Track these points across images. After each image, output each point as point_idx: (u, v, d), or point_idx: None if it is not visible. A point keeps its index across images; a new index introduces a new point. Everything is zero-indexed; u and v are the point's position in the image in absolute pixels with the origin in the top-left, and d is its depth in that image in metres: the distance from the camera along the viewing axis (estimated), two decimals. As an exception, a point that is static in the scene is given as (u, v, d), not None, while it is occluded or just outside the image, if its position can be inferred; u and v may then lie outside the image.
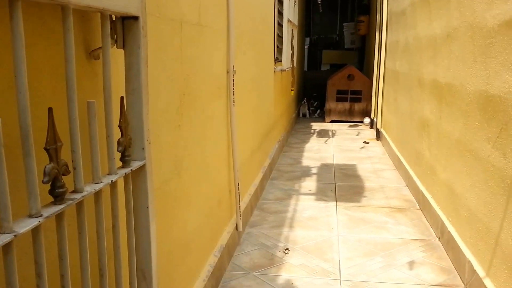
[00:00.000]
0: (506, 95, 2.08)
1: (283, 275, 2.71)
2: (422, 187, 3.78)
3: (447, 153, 3.06)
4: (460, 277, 2.61)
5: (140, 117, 1.34)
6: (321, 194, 4.27)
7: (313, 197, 4.19)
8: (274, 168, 5.25)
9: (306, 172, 5.07)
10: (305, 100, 9.50)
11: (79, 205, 1.04)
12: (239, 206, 3.17)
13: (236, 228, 3.13)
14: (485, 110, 2.36)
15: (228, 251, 2.89)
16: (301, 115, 9.49)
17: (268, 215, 3.75)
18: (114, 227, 1.20)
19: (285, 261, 2.89)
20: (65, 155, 1.00)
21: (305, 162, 5.59)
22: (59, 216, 0.96)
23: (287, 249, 3.08)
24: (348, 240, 3.20)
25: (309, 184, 4.60)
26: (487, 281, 2.23)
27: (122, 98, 1.27)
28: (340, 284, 2.59)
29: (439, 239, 3.14)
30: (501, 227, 2.11)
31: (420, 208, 3.78)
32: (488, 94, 2.31)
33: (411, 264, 2.81)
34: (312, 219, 3.61)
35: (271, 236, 3.31)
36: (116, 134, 1.26)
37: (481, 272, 2.32)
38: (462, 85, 2.77)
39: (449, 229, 2.89)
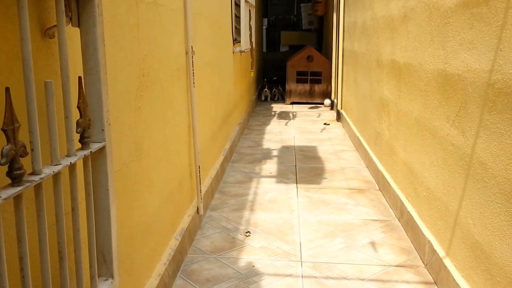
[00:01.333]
0: (465, 73, 2.17)
1: (244, 258, 2.76)
2: (381, 168, 3.91)
3: (406, 133, 3.18)
4: (420, 257, 2.74)
5: (99, 98, 1.32)
6: (282, 176, 4.34)
7: (274, 179, 4.26)
8: (235, 151, 5.28)
9: (267, 155, 5.13)
10: (266, 88, 9.35)
11: (37, 187, 1.03)
12: (200, 189, 3.18)
13: (197, 211, 3.14)
14: (444, 89, 2.46)
15: (189, 235, 2.90)
16: (263, 98, 9.43)
17: (229, 198, 3.78)
18: (74, 209, 1.20)
19: (246, 244, 2.94)
20: (22, 136, 0.98)
21: (266, 144, 5.65)
22: (17, 198, 0.94)
23: (248, 232, 3.13)
24: (309, 221, 3.28)
25: (270, 166, 4.66)
26: (447, 261, 2.36)
27: (80, 78, 1.25)
28: (301, 266, 2.67)
29: (398, 219, 3.28)
30: (460, 206, 2.23)
31: (379, 189, 3.92)
32: (446, 73, 2.41)
33: (371, 245, 2.92)
34: (273, 201, 3.68)
35: (232, 219, 3.35)
36: (75, 115, 1.25)
37: (441, 251, 2.45)
38: (420, 64, 2.87)
39: (408, 209, 3.03)
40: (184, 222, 2.86)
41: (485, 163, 1.97)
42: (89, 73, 1.31)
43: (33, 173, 1.02)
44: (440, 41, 2.52)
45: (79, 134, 1.25)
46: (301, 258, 2.75)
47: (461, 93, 2.23)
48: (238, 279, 2.53)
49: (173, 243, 2.58)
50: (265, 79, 9.83)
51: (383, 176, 3.80)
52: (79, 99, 1.23)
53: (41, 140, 1.03)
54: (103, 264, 1.39)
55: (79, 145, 1.26)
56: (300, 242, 2.96)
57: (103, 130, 1.33)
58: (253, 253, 2.83)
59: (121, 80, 1.81)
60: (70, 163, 1.15)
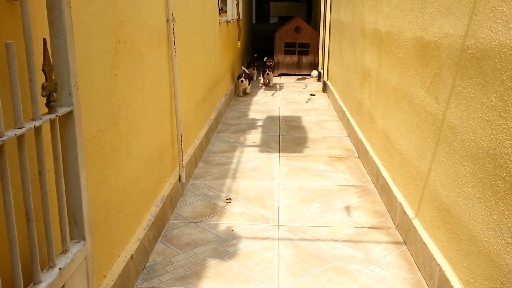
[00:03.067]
0: (441, 40, 2.17)
1: (224, 223, 2.81)
2: (361, 136, 3.94)
3: (385, 101, 3.20)
4: (392, 219, 2.80)
5: (66, 62, 1.31)
6: (265, 145, 4.36)
7: (257, 149, 4.28)
8: (221, 121, 5.28)
9: (252, 125, 5.13)
10: (243, 78, 6.75)
11: (0, 149, 1.03)
12: (182, 158, 3.19)
13: (179, 179, 3.16)
14: (420, 56, 2.46)
15: (171, 202, 2.93)
16: (241, 93, 6.86)
17: (212, 167, 3.80)
18: (40, 173, 1.20)
19: (227, 210, 2.98)
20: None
21: (252, 115, 5.65)
22: (-24, 159, 0.94)
23: (229, 198, 3.16)
24: (288, 188, 3.32)
25: (254, 136, 4.68)
26: (415, 222, 2.41)
27: (44, 40, 1.24)
28: (278, 229, 2.71)
29: (374, 184, 3.33)
30: (430, 169, 2.26)
31: (359, 156, 3.96)
32: (423, 41, 2.41)
33: (346, 208, 2.97)
34: (255, 170, 3.71)
35: (214, 187, 3.38)
36: (41, 79, 1.24)
37: (410, 213, 2.50)
38: (400, 33, 2.86)
39: (383, 175, 3.07)
40: (166, 189, 2.88)
41: (454, 127, 1.99)
42: (55, 35, 1.29)
43: (-5, 135, 1.02)
44: (419, 8, 2.50)
45: (46, 98, 1.24)
46: (278, 222, 2.80)
47: (436, 60, 2.23)
48: (217, 242, 2.57)
49: (154, 209, 2.61)
50: (244, 70, 7.20)
51: (362, 144, 3.83)
52: (44, 61, 1.22)
53: (4, 103, 1.03)
54: (75, 226, 1.40)
55: (46, 110, 1.25)
56: (279, 208, 3.00)
57: (70, 94, 1.32)
58: (233, 218, 2.87)
59: (95, 46, 1.79)
60: (35, 126, 1.14)
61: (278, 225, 2.77)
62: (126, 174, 2.16)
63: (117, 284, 1.94)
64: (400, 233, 2.63)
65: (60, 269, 1.25)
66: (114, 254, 2.02)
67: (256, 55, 9.17)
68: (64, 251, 1.33)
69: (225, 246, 2.53)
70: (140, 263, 2.27)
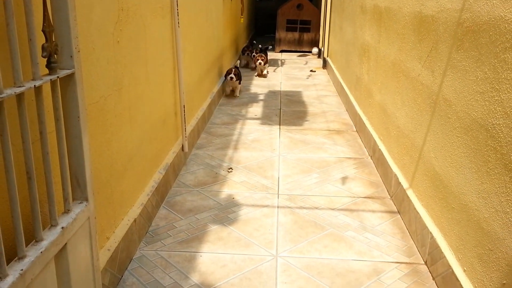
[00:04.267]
0: (438, 14, 2.10)
1: (225, 191, 2.78)
2: (359, 110, 3.89)
3: (383, 76, 3.13)
4: (387, 190, 2.77)
5: (67, 23, 1.26)
6: (266, 118, 4.31)
7: (258, 121, 4.23)
8: (223, 95, 5.21)
9: (253, 99, 5.07)
10: (233, 74, 4.97)
11: (-1, 106, 0.98)
12: (185, 128, 3.15)
13: (182, 149, 3.13)
14: (418, 31, 2.39)
15: (174, 170, 2.90)
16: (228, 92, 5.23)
17: (214, 138, 3.77)
18: (41, 133, 1.16)
19: (228, 179, 2.96)
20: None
21: (254, 89, 5.57)
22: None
23: (231, 168, 3.13)
24: (288, 159, 3.29)
25: (256, 109, 4.62)
26: (409, 192, 2.38)
27: (44, 0, 1.18)
28: (278, 198, 2.69)
29: (371, 157, 3.29)
30: (425, 141, 2.22)
31: (356, 130, 3.91)
32: (422, 15, 2.34)
33: (343, 179, 2.94)
34: (256, 141, 3.67)
35: (216, 157, 3.34)
36: (41, 40, 1.19)
37: (405, 184, 2.47)
38: (399, 8, 2.78)
39: (380, 147, 3.03)
40: (169, 158, 2.85)
41: (449, 99, 1.95)
42: (55, -3, 1.23)
43: (-7, 92, 0.98)
44: (417, -17, 2.42)
45: (46, 59, 1.20)
46: (278, 191, 2.78)
47: (434, 34, 2.17)
48: (218, 209, 2.56)
49: (157, 176, 2.58)
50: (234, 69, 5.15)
51: (360, 118, 3.78)
52: (44, 22, 1.17)
53: (4, 63, 0.98)
54: (77, 187, 1.37)
55: (47, 72, 1.21)
56: (279, 177, 2.97)
57: (71, 56, 1.27)
58: (234, 187, 2.85)
59: (97, 12, 1.73)
60: (35, 86, 1.10)
61: (278, 194, 2.74)
62: (129, 141, 2.13)
63: (120, 246, 1.92)
64: (394, 203, 2.61)
65: (62, 228, 1.22)
66: (117, 218, 2.00)
67: (254, 42, 7.75)
68: (67, 211, 1.30)
69: (226, 213, 2.51)
70: (143, 227, 2.26)
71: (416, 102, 2.37)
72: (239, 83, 5.14)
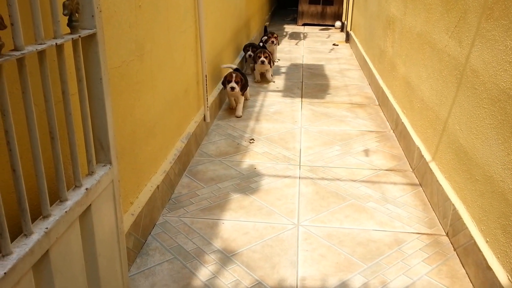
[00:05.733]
0: (468, -17, 1.98)
1: (247, 161, 2.75)
2: (382, 84, 3.77)
3: (408, 48, 3.01)
4: (409, 163, 2.70)
5: (88, -17, 1.21)
6: (288, 91, 4.23)
7: (280, 94, 4.15)
8: (244, 67, 5.12)
9: (275, 71, 4.98)
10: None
11: (20, 63, 0.95)
12: (207, 98, 3.11)
13: (204, 119, 3.10)
14: (446, 1, 2.26)
15: (196, 139, 2.88)
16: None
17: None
18: (64, 92, 1.13)
19: (250, 150, 2.92)
20: (1, 10, 0.89)
21: (275, 62, 5.47)
22: (-4, 70, 0.87)
23: (252, 139, 3.09)
24: (310, 131, 3.22)
25: (278, 82, 4.54)
26: (432, 164, 2.31)
27: (65, -42, 1.13)
28: (299, 169, 2.65)
29: (393, 130, 3.20)
30: (450, 113, 2.13)
31: (379, 104, 3.80)
32: (451, -15, 2.21)
33: (365, 152, 2.87)
34: (277, 113, 3.61)
35: (238, 128, 3.30)
36: (63, -1, 1.14)
37: (427, 156, 2.39)
38: (427, -22, 2.63)
39: (403, 121, 2.93)
40: (191, 127, 2.82)
41: (476, 70, 1.84)
42: (76, -44, 1.18)
43: (15, 49, 0.95)
44: (448, -51, 2.28)
45: (67, 18, 1.15)
46: (300, 162, 2.73)
47: (462, 4, 2.05)
48: (240, 178, 2.53)
49: (179, 145, 2.56)
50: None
51: (383, 92, 3.67)
52: (64, -19, 1.12)
53: (25, 22, 0.95)
54: (101, 150, 1.35)
55: (69, 31, 1.17)
56: (300, 149, 2.92)
57: (93, 16, 1.23)
58: (256, 157, 2.81)
59: (119, -24, 1.67)
60: (56, 44, 1.06)
61: (299, 165, 2.70)
62: (152, 108, 2.10)
63: (144, 212, 1.92)
64: (416, 176, 2.54)
65: (86, 189, 1.20)
66: (140, 184, 1.99)
67: (267, 23, 6.20)
68: (91, 173, 1.29)
69: (248, 182, 2.49)
70: (166, 194, 2.25)
71: (442, 74, 2.26)
72: (242, 94, 3.52)
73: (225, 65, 3.76)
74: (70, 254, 1.13)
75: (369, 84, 4.40)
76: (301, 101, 3.93)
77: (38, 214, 1.08)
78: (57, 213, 1.08)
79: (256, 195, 2.35)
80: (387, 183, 2.47)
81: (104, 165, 1.35)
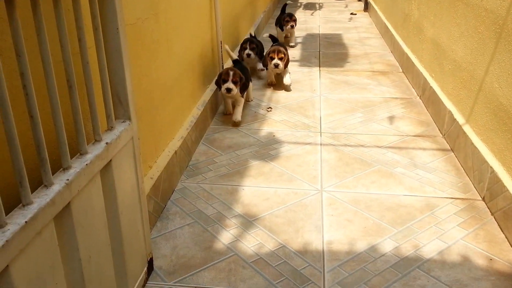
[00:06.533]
0: None
1: (265, 129, 2.70)
2: (407, 50, 3.66)
3: (437, 8, 2.89)
4: (439, 129, 2.62)
5: None
6: (305, 60, 4.14)
7: (296, 63, 4.07)
8: (259, 37, 5.03)
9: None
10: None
11: (34, 4, 0.90)
12: (222, 66, 3.05)
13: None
14: (481, -49, 2.15)
15: (212, 107, 2.83)
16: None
17: (252, 78, 3.64)
18: (80, 40, 1.09)
19: (268, 118, 2.87)
20: None
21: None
22: (9, 6, 0.83)
23: (270, 107, 3.03)
24: (330, 99, 3.15)
25: (294, 52, 4.44)
26: (466, 127, 2.22)
27: None
28: (320, 136, 2.59)
29: (419, 97, 3.11)
30: (487, 71, 2.04)
31: (403, 71, 3.70)
32: None
33: (390, 118, 2.80)
34: (295, 82, 3.53)
35: (254, 96, 3.24)
36: None
37: (460, 119, 2.31)
38: None
39: (431, 85, 2.84)
40: (206, 95, 2.78)
41: (520, 21, 1.75)
42: None
43: (29, -15, 0.90)
44: None
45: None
46: (320, 130, 2.67)
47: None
48: (259, 146, 2.49)
49: (195, 112, 2.52)
50: None
51: (407, 58, 3.56)
52: None
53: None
54: (119, 105, 1.31)
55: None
56: (320, 117, 2.86)
57: (108, -40, 1.17)
58: (274, 125, 2.76)
59: None
60: (72, -16, 1.01)
61: (320, 132, 2.64)
62: (167, 70, 2.05)
63: (162, 176, 1.89)
64: (447, 141, 2.46)
65: (106, 143, 1.17)
66: (158, 148, 1.95)
67: (289, 1, 5.09)
68: (110, 128, 1.25)
69: (267, 150, 2.44)
70: (183, 160, 2.22)
71: (478, 31, 2.17)
72: (242, 95, 2.80)
73: (226, 47, 3.11)
74: (92, 209, 1.10)
75: (391, 52, 4.29)
76: (319, 70, 3.84)
77: (58, 168, 1.05)
78: (77, 165, 1.05)
79: (276, 162, 2.31)
80: (415, 148, 2.40)
81: (123, 121, 1.31)
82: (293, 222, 1.83)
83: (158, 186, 1.85)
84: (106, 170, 1.18)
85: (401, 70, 3.75)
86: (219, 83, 2.71)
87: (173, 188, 2.07)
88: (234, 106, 2.83)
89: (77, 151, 1.11)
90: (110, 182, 1.20)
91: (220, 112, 2.96)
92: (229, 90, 2.65)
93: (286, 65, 3.32)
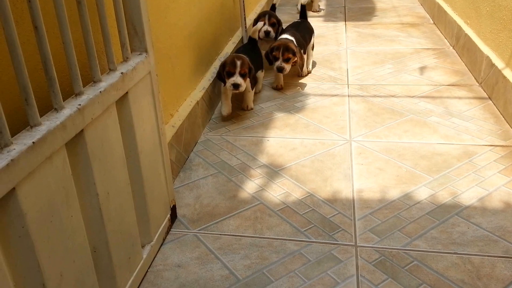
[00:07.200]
0: None
1: (290, 82, 2.58)
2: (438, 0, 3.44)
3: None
4: (475, 78, 2.45)
5: None
6: (329, 16, 3.95)
7: (321, 18, 3.88)
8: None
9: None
10: None
11: None
12: (244, 18, 2.91)
13: (242, 41, 2.91)
14: None
15: (234, 61, 2.71)
16: None
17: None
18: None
19: (291, 72, 2.73)
20: None
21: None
22: None
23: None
24: (357, 52, 2.99)
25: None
26: (506, 72, 2.05)
27: None
28: (348, 88, 2.46)
29: (453, 47, 2.92)
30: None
31: (434, 22, 3.49)
32: None
33: (422, 69, 2.64)
34: (320, 37, 3.37)
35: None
36: None
37: (500, 64, 2.14)
38: None
39: (466, 32, 2.65)
40: (228, 47, 2.66)
41: None
42: None
43: None
44: None
45: None
46: (348, 81, 2.53)
47: None
48: (284, 99, 2.37)
49: (218, 63, 2.40)
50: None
51: (439, 8, 3.34)
52: None
53: None
54: (135, 36, 1.21)
55: None
56: (347, 69, 2.71)
57: None
58: (299, 78, 2.63)
59: None
60: None
61: (348, 84, 2.50)
62: (187, 15, 1.93)
63: (184, 125, 1.81)
64: (484, 89, 2.30)
65: (121, 73, 1.08)
66: (179, 97, 1.86)
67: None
68: (125, 59, 1.16)
69: (292, 102, 2.33)
70: (206, 112, 2.13)
71: (522, -36, 1.97)
72: (253, 87, 2.25)
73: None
74: (108, 142, 1.02)
75: (421, 4, 4.05)
76: (345, 24, 3.66)
77: (70, 94, 0.96)
78: (90, 92, 0.96)
79: (301, 114, 2.19)
80: (450, 98, 2.25)
81: (139, 54, 1.22)
82: (320, 171, 1.73)
83: (180, 136, 1.76)
84: (123, 103, 1.10)
85: (432, 21, 3.54)
86: (222, 75, 2.09)
87: (196, 140, 1.99)
88: (243, 95, 2.24)
89: (90, 82, 1.03)
90: (128, 117, 1.12)
91: (217, 116, 2.21)
92: (236, 86, 2.04)
93: (301, 67, 2.56)
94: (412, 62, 2.74)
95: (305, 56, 2.57)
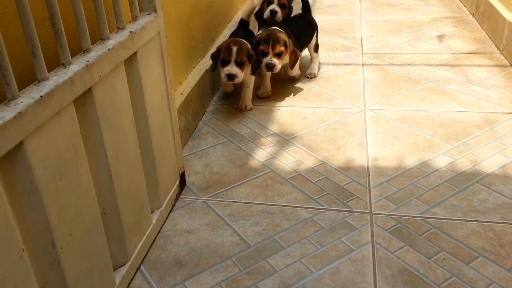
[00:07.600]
0: None
1: (303, 51, 2.53)
2: (458, -34, 3.34)
3: None
4: (496, 46, 2.39)
5: None
6: (343, -16, 3.86)
7: (334, -13, 3.80)
8: None
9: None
10: None
11: None
12: (254, -15, 2.84)
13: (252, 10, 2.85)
14: None
15: (244, 30, 2.67)
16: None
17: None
18: None
19: (305, 40, 2.68)
20: None
21: None
22: None
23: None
24: (372, 21, 2.93)
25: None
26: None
27: None
28: (362, 56, 2.41)
29: (472, 15, 2.85)
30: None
31: (453, -10, 3.40)
32: None
33: (440, 37, 2.57)
34: (332, 6, 3.30)
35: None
36: None
37: (520, 32, 2.09)
38: None
39: (486, -1, 2.58)
40: (238, 16, 2.60)
41: None
42: None
43: None
44: None
45: None
46: (362, 50, 2.49)
47: None
48: (295, 68, 2.33)
49: (227, 32, 2.36)
50: None
51: (458, -26, 3.25)
52: None
53: None
54: (143, -5, 1.19)
55: None
56: (361, 38, 2.66)
57: None
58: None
59: None
60: None
61: (362, 53, 2.46)
62: (197, -21, 1.89)
63: (193, 92, 1.79)
64: (505, 57, 2.24)
65: (130, 32, 1.06)
66: (188, 65, 1.84)
67: None
68: (134, 18, 1.13)
69: (303, 72, 2.29)
70: (215, 81, 2.10)
71: None
72: (254, 74, 1.94)
73: None
74: (117, 101, 1.01)
75: (439, -27, 3.94)
76: (359, -7, 3.57)
77: (78, 51, 0.95)
78: (99, 49, 0.94)
79: (313, 83, 2.16)
80: (470, 65, 2.20)
81: (148, 13, 1.19)
82: (333, 140, 1.71)
83: (189, 103, 1.75)
84: (131, 62, 1.08)
85: (450, -10, 3.44)
86: (216, 60, 1.84)
87: (205, 109, 1.97)
88: (242, 87, 1.97)
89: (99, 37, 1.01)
90: (136, 77, 1.10)
91: (220, 96, 2.08)
92: (230, 77, 1.77)
93: (293, 63, 1.97)
94: (429, 31, 2.68)
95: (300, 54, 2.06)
